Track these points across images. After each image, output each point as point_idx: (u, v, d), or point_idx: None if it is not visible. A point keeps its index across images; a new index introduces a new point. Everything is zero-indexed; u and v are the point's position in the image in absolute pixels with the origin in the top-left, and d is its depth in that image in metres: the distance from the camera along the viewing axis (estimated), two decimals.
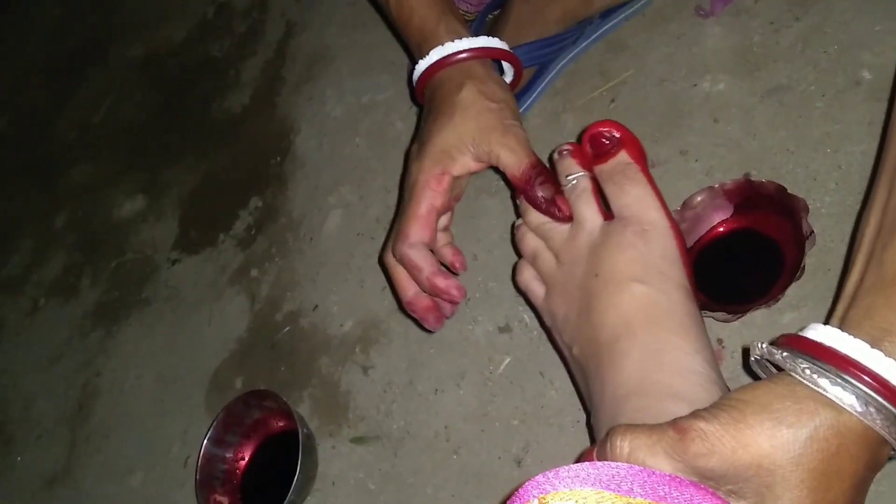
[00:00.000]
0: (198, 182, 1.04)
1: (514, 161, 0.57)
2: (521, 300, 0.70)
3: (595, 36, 0.77)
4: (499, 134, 0.58)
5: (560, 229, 0.57)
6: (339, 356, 0.78)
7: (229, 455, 0.75)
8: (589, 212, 0.55)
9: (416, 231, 0.60)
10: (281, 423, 0.75)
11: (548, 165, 0.59)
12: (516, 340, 0.69)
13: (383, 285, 0.79)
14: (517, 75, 0.67)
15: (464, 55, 0.61)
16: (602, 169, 0.56)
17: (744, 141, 0.66)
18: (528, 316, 0.69)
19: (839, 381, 0.35)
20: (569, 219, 0.56)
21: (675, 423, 0.38)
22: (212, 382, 0.86)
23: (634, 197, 0.53)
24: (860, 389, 0.35)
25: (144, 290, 0.99)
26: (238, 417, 0.75)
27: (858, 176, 0.59)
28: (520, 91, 0.78)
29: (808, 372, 0.36)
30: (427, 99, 0.64)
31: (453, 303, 0.63)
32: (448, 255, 0.64)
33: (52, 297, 1.09)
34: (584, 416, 0.62)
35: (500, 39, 0.71)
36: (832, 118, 0.63)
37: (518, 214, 0.62)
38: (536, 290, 0.59)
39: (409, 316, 0.65)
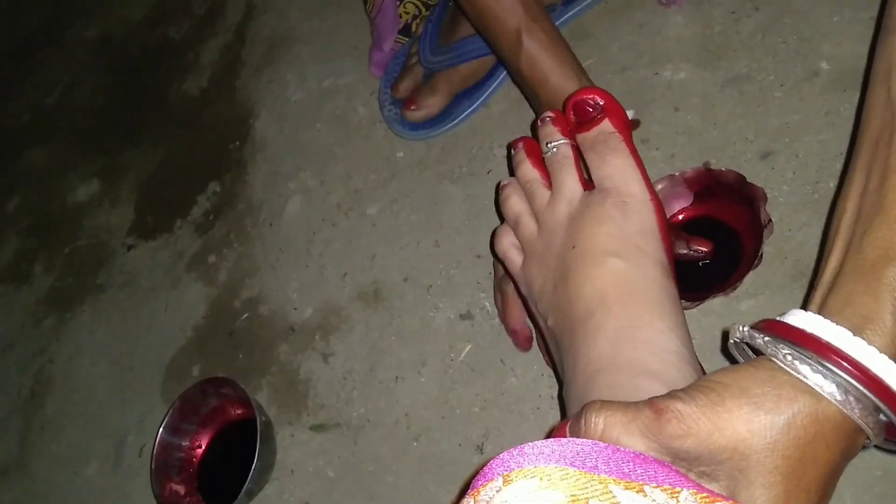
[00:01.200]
0: (155, 166, 1.02)
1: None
2: (483, 287, 0.70)
3: (559, 23, 0.76)
4: None
5: (543, 193, 0.56)
6: (298, 343, 0.77)
7: (186, 443, 0.74)
8: (569, 180, 0.54)
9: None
10: (239, 411, 0.74)
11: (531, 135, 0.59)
12: (477, 328, 0.69)
13: (344, 272, 0.78)
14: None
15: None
16: (584, 137, 0.54)
17: (704, 130, 0.66)
18: (490, 303, 0.69)
19: (820, 368, 0.35)
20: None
21: (652, 403, 0.37)
22: (168, 370, 0.84)
23: (616, 167, 0.52)
24: (841, 377, 0.35)
25: (99, 276, 0.97)
26: (195, 405, 0.74)
27: (816, 165, 0.60)
28: (484, 76, 0.77)
29: (789, 358, 0.36)
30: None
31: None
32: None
33: (4, 284, 1.06)
34: (543, 404, 0.63)
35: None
36: (791, 108, 0.63)
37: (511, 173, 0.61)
38: (514, 258, 0.58)
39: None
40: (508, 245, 0.58)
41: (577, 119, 0.55)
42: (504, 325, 0.66)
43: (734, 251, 0.58)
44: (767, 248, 0.57)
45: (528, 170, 0.57)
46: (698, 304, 0.57)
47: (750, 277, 0.57)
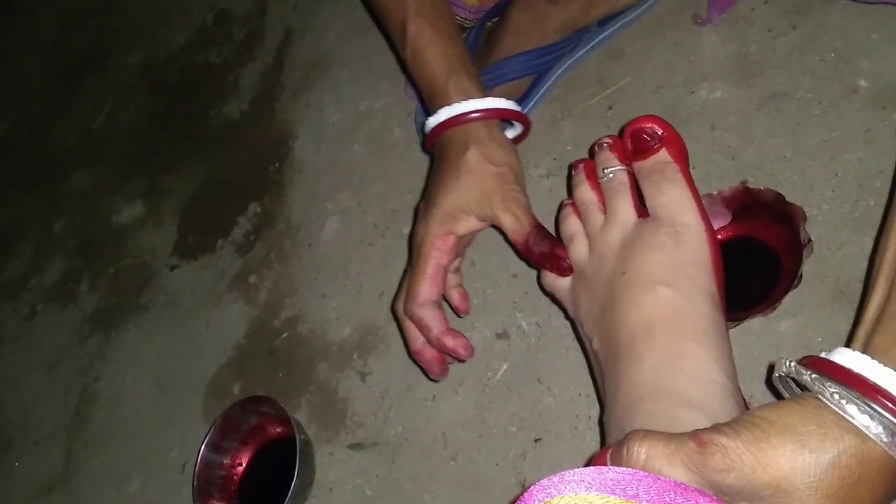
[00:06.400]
0: (197, 188, 1.04)
1: (515, 225, 0.60)
2: (520, 307, 0.70)
3: (593, 43, 0.77)
4: (500, 198, 0.60)
5: (598, 216, 0.56)
6: (337, 362, 0.78)
7: (226, 461, 0.75)
8: (623, 206, 0.54)
9: (425, 290, 0.62)
10: (278, 430, 0.75)
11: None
12: (514, 347, 0.69)
13: (381, 291, 0.79)
14: (525, 129, 0.69)
15: (471, 116, 0.63)
16: (641, 166, 0.54)
17: (741, 148, 0.66)
18: (526, 322, 0.69)
19: (868, 409, 0.35)
20: (569, 270, 0.57)
21: (696, 435, 0.37)
22: (210, 388, 0.86)
23: (671, 197, 0.52)
24: (888, 419, 0.35)
25: (143, 296, 0.99)
26: (235, 423, 0.75)
27: (855, 183, 0.59)
28: (518, 99, 0.78)
29: (836, 397, 0.36)
30: (436, 155, 0.67)
31: (460, 360, 0.65)
32: (455, 298, 0.67)
33: (51, 303, 1.09)
34: (581, 424, 0.63)
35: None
36: (829, 126, 0.63)
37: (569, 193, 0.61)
38: (563, 280, 0.58)
39: (416, 363, 0.67)
40: None
41: (633, 147, 0.55)
42: (415, 356, 0.65)
43: (773, 271, 0.58)
44: (807, 268, 0.57)
45: (585, 191, 0.57)
46: (737, 324, 0.57)
47: (789, 297, 0.56)
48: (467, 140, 0.63)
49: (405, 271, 0.66)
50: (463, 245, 0.66)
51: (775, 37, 0.69)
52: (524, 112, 0.68)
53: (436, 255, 0.62)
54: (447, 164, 0.63)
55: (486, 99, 0.64)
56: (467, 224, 0.63)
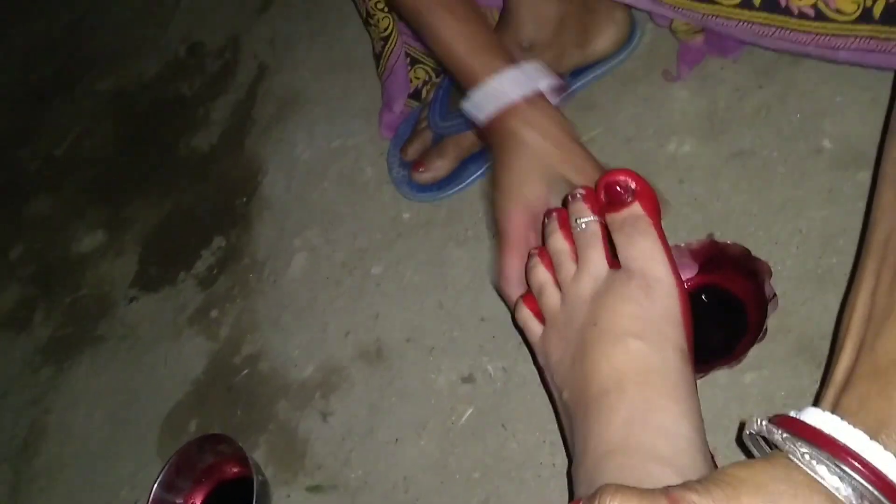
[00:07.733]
0: (161, 219, 1.03)
1: (583, 181, 0.61)
2: (486, 351, 0.70)
3: (565, 95, 0.78)
4: (559, 160, 0.62)
5: (570, 266, 0.56)
6: (298, 401, 0.77)
7: (179, 501, 0.73)
8: (595, 257, 0.55)
9: (511, 269, 0.63)
10: (235, 469, 0.74)
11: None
12: (479, 391, 0.68)
13: (346, 331, 0.78)
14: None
15: (512, 98, 0.64)
16: (614, 218, 0.55)
17: (708, 202, 0.67)
18: (492, 367, 0.69)
19: (838, 470, 0.35)
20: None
21: (668, 492, 0.37)
22: (165, 424, 0.83)
23: (642, 250, 0.53)
24: (857, 481, 0.35)
25: (100, 327, 0.97)
26: (191, 462, 0.73)
27: (819, 241, 0.61)
28: None
29: (807, 457, 0.36)
30: (489, 140, 0.67)
31: None
32: None
33: (3, 331, 1.06)
34: (544, 471, 0.62)
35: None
36: (793, 184, 0.64)
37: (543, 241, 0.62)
38: (534, 327, 0.58)
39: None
40: (529, 314, 0.59)
41: (607, 199, 0.55)
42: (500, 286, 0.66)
43: (739, 324, 0.59)
44: (772, 321, 0.57)
45: (558, 240, 0.58)
46: (703, 376, 0.58)
47: (754, 350, 0.57)
48: (516, 120, 0.64)
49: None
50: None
51: (743, 96, 0.71)
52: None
53: (519, 235, 0.63)
54: (503, 146, 0.65)
55: (523, 72, 0.64)
56: (541, 198, 0.63)
